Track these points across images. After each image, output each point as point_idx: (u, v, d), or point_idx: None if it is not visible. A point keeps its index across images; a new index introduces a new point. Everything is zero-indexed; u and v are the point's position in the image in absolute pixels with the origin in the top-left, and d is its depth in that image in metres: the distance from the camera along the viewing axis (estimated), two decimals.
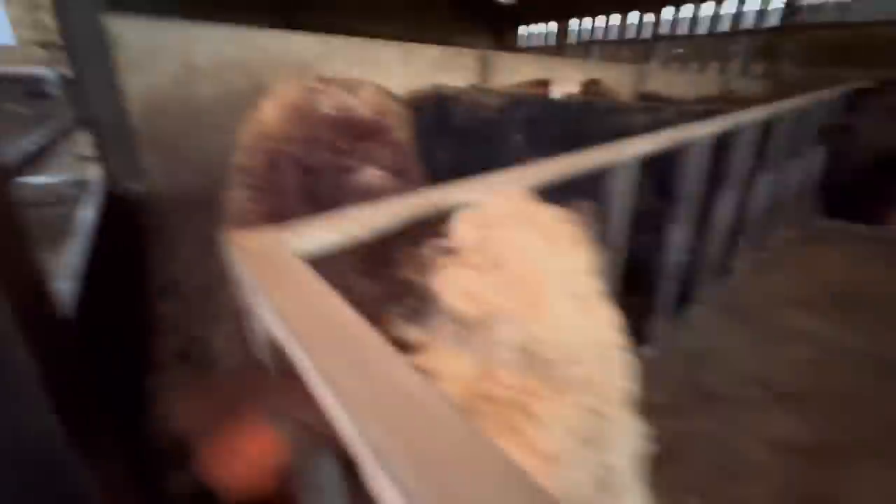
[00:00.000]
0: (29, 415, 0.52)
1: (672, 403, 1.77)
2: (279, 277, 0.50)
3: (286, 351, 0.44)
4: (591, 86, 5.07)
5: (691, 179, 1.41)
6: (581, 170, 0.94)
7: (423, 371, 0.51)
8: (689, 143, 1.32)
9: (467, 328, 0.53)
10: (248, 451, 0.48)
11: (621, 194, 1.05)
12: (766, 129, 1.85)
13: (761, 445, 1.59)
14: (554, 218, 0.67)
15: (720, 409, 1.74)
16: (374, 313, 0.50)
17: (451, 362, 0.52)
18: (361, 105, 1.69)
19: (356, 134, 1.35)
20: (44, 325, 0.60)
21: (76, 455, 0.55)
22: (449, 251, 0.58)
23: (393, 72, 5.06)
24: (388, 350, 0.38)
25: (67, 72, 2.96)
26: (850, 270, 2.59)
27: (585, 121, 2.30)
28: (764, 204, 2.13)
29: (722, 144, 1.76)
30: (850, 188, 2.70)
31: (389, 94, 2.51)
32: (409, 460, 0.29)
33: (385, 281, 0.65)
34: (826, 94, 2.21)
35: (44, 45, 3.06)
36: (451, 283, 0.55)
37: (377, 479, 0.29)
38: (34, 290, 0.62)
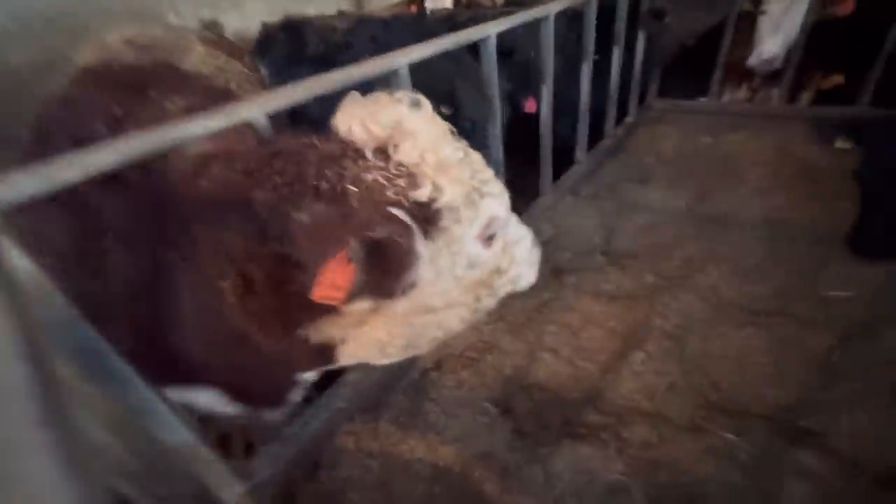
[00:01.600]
0: None
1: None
2: None
3: None
4: None
5: (489, 78, 1.52)
6: (347, 84, 1.00)
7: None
8: (479, 40, 1.41)
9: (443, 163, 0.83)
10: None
11: None
12: (576, 19, 1.99)
13: (597, 300, 1.92)
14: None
15: (568, 279, 2.05)
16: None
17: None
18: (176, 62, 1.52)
19: (139, 95, 1.19)
20: None
21: None
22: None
23: (248, 7, 4.51)
24: None
25: None
26: (681, 143, 2.97)
27: (427, 34, 2.30)
28: (593, 92, 2.34)
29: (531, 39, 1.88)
30: (673, 68, 3.01)
31: (225, 45, 2.30)
32: None
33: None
34: None
35: None
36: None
37: None
38: None
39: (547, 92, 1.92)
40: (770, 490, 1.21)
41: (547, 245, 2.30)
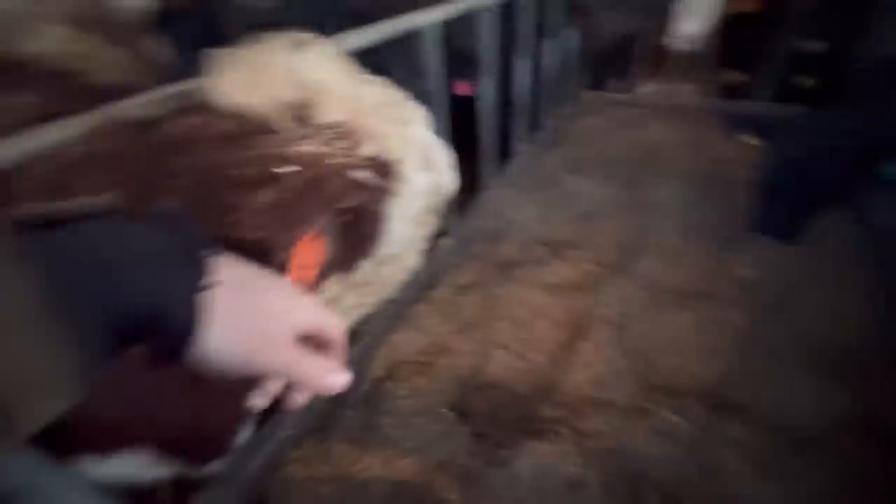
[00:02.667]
0: None
1: (477, 281, 2.03)
2: None
3: None
4: None
5: (430, 67, 1.45)
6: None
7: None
8: (415, 31, 1.33)
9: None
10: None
11: None
12: (508, 11, 1.98)
13: (543, 292, 1.95)
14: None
15: (515, 273, 2.06)
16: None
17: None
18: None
19: None
20: None
21: None
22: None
23: None
24: None
25: None
26: (612, 134, 3.12)
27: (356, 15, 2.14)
28: (529, 84, 2.36)
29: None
30: (600, 64, 3.15)
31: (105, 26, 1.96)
32: None
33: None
34: None
35: None
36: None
37: None
38: None
39: (488, 87, 1.88)
40: (707, 462, 1.31)
41: (493, 239, 2.31)
